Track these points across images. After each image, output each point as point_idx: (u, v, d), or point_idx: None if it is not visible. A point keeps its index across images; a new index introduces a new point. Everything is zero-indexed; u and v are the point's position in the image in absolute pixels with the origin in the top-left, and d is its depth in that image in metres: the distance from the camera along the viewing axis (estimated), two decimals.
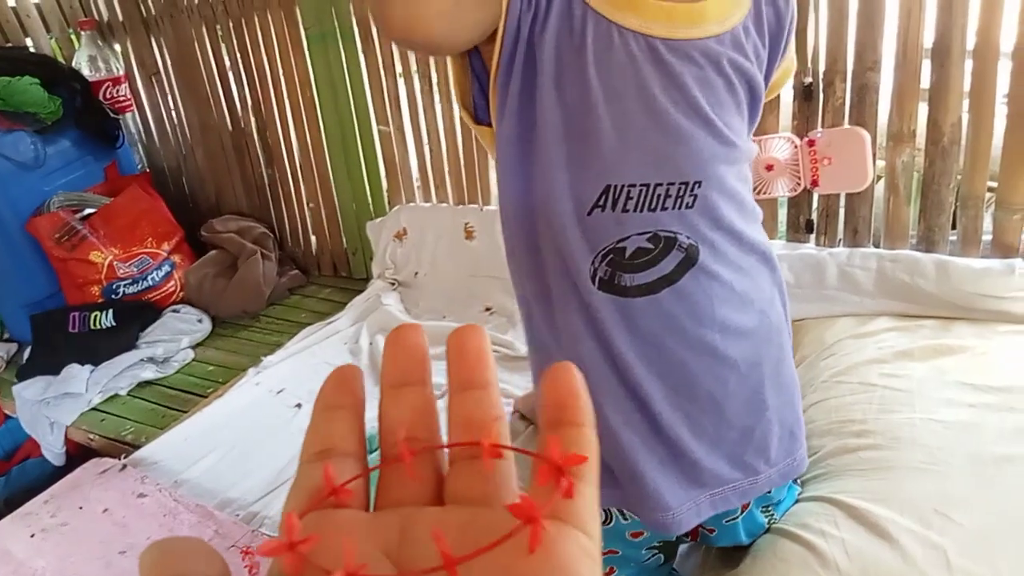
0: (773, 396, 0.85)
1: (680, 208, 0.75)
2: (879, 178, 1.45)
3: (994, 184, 1.34)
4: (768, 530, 0.97)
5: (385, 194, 2.08)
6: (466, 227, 1.88)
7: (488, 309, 1.78)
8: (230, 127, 2.26)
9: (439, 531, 0.20)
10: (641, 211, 0.74)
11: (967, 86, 1.28)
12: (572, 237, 0.76)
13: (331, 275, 2.27)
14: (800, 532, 0.92)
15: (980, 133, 1.29)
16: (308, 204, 2.22)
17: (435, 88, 1.85)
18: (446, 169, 1.93)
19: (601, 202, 0.74)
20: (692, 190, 0.74)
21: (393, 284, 1.98)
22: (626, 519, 0.88)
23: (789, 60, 0.84)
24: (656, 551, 0.94)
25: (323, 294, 2.17)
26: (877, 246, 1.43)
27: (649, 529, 0.89)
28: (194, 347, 1.99)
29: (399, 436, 0.24)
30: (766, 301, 0.83)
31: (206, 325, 2.04)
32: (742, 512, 0.91)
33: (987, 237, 1.36)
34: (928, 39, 1.30)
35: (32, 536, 1.33)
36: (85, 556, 1.28)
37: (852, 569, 0.86)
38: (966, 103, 1.30)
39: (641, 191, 0.74)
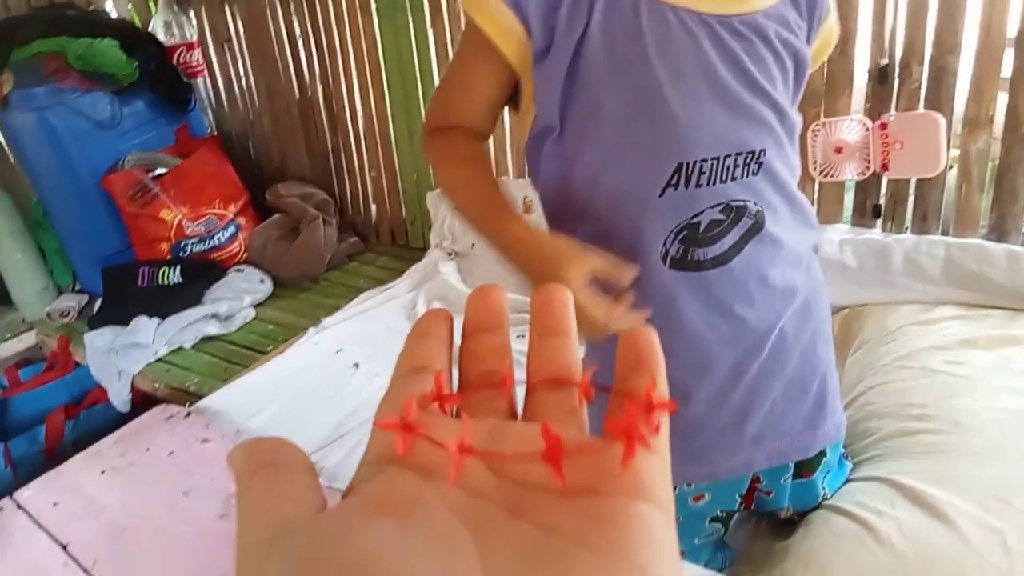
0: (824, 351, 0.89)
1: (747, 176, 0.76)
2: (951, 166, 1.42)
3: None
4: (820, 506, 0.97)
5: None
6: (525, 200, 1.89)
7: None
8: (297, 95, 2.31)
9: (546, 424, 0.21)
10: (713, 184, 0.75)
11: None
12: (641, 220, 0.76)
13: (389, 243, 2.31)
14: (854, 509, 0.93)
15: None
16: (370, 172, 2.26)
17: None
18: (507, 142, 1.94)
19: (674, 181, 0.75)
20: (758, 158, 0.76)
21: (450, 254, 2.01)
22: (689, 485, 0.90)
23: (828, 30, 0.83)
24: (718, 523, 0.96)
25: (381, 261, 2.21)
26: (945, 234, 1.40)
27: (711, 491, 0.91)
28: (256, 306, 2.05)
29: (478, 371, 0.25)
30: (812, 258, 0.87)
31: (268, 286, 2.10)
32: (801, 476, 0.92)
33: None
34: (1012, 27, 1.27)
35: (102, 473, 1.40)
36: (150, 495, 1.34)
37: (907, 548, 0.86)
38: None
39: (712, 164, 0.75)
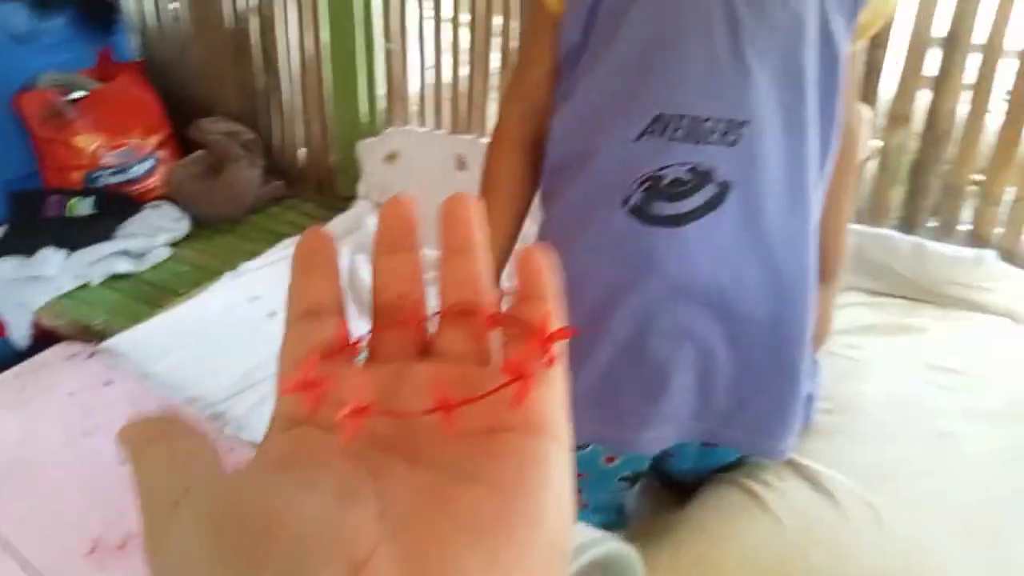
0: (772, 363, 0.84)
1: (723, 145, 0.77)
2: (871, 158, 1.47)
3: (979, 176, 1.36)
4: (715, 478, 1.01)
5: (382, 115, 2.06)
6: (458, 157, 1.87)
7: None
8: (232, 26, 2.21)
9: (440, 381, 0.22)
10: (686, 142, 0.77)
11: (969, 79, 1.30)
12: (616, 159, 0.80)
13: (316, 191, 2.25)
14: (745, 481, 0.97)
15: (974, 125, 1.31)
16: (303, 115, 2.19)
17: (444, 12, 1.82)
18: (446, 96, 1.91)
19: (650, 128, 0.78)
20: (738, 128, 0.76)
21: (378, 206, 1.98)
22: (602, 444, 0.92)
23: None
24: (626, 482, 0.98)
25: (305, 208, 2.16)
26: (859, 222, 1.45)
27: (623, 453, 0.93)
28: (171, 245, 1.97)
29: (390, 295, 0.25)
30: (791, 260, 0.82)
31: (185, 224, 2.03)
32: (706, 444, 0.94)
33: (967, 227, 1.39)
34: (939, 29, 1.31)
35: None
36: (49, 433, 1.30)
37: (791, 519, 0.90)
38: (964, 95, 1.32)
39: (689, 122, 0.77)
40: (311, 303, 0.25)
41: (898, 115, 1.36)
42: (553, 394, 0.22)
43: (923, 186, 1.37)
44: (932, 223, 1.41)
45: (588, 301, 0.86)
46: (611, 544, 0.52)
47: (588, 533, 0.53)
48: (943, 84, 1.32)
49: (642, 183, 0.78)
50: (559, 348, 0.22)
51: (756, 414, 0.87)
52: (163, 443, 0.21)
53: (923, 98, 1.36)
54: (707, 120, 0.76)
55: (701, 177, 0.77)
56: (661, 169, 0.78)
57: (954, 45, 1.29)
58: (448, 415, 0.21)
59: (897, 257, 1.35)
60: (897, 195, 1.42)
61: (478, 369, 0.23)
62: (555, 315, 0.23)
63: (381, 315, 0.26)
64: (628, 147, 0.79)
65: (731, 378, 0.86)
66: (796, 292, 0.83)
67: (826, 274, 0.95)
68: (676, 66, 0.77)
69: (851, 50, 0.81)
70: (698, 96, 0.77)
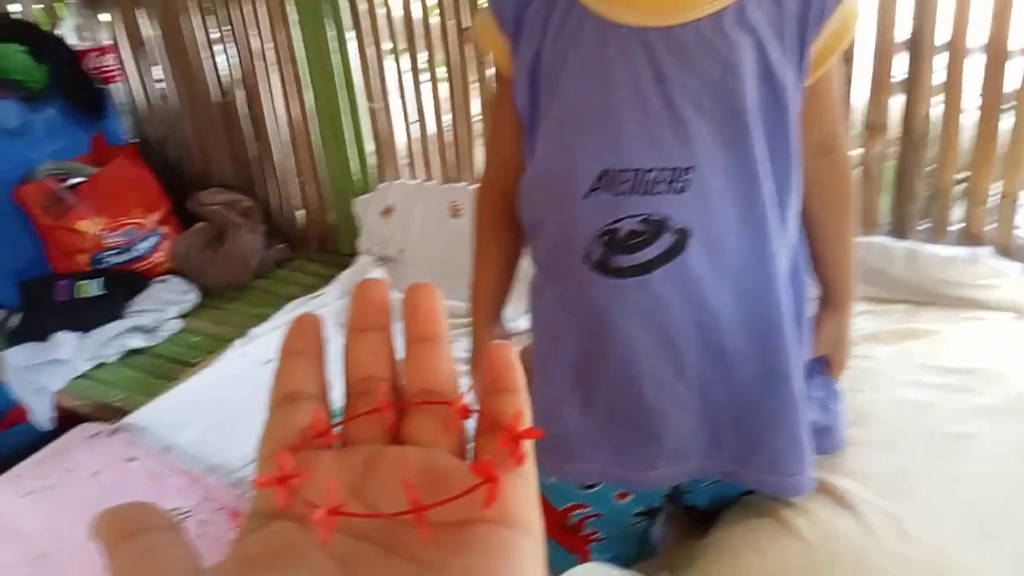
0: (768, 395, 0.86)
1: (671, 193, 0.78)
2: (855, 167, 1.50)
3: (964, 175, 1.39)
4: (736, 501, 1.02)
5: (373, 171, 2.10)
6: (452, 205, 1.91)
7: None
8: (219, 99, 2.26)
9: (409, 481, 0.22)
10: (634, 195, 0.78)
11: (939, 79, 1.33)
12: (570, 217, 0.81)
13: (318, 249, 2.28)
14: (767, 502, 0.97)
15: (950, 125, 1.34)
16: (297, 178, 2.23)
17: (422, 66, 1.87)
18: (432, 148, 1.95)
19: (597, 186, 0.79)
20: (683, 176, 0.77)
21: (380, 260, 2.01)
22: (610, 483, 0.93)
23: (841, 17, 0.77)
24: (642, 518, 0.99)
25: (310, 268, 2.19)
26: None
27: (634, 491, 0.94)
28: (182, 317, 2.00)
29: (360, 375, 0.26)
30: (761, 295, 0.83)
31: (193, 296, 2.06)
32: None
33: (958, 227, 1.41)
34: (902, 33, 1.34)
35: (22, 497, 1.36)
36: (74, 517, 1.31)
37: (814, 536, 0.91)
38: (935, 97, 1.35)
39: (633, 175, 0.78)
40: (291, 389, 0.26)
41: (874, 124, 1.39)
42: (524, 490, 0.23)
43: (909, 191, 1.40)
44: (923, 226, 1.43)
45: (572, 353, 0.88)
46: None
47: (607, 572, 0.54)
48: (914, 88, 1.35)
49: (599, 238, 0.80)
50: (527, 446, 0.23)
51: (769, 454, 0.88)
52: (139, 538, 0.21)
53: (896, 104, 1.39)
54: (650, 171, 0.77)
55: (655, 226, 0.78)
56: (615, 222, 0.79)
57: (919, 48, 1.32)
58: (420, 518, 0.21)
59: (893, 263, 1.37)
60: (884, 203, 1.45)
61: (449, 462, 0.24)
62: (524, 411, 0.24)
63: (352, 395, 0.27)
64: (579, 205, 0.80)
65: (731, 415, 0.87)
66: (772, 324, 0.84)
67: (834, 302, 0.96)
68: (612, 121, 0.77)
69: (812, 80, 0.79)
70: (638, 148, 0.77)
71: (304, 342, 0.27)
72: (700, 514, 1.08)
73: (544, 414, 0.96)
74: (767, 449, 0.88)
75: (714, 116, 0.77)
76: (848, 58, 1.35)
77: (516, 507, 0.22)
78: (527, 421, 0.24)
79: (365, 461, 0.24)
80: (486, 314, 1.06)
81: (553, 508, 1.01)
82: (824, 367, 1.01)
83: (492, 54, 0.88)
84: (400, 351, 0.27)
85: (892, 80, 1.37)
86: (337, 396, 0.27)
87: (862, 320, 1.32)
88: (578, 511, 0.99)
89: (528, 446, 0.23)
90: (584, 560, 1.02)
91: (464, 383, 0.26)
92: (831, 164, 0.88)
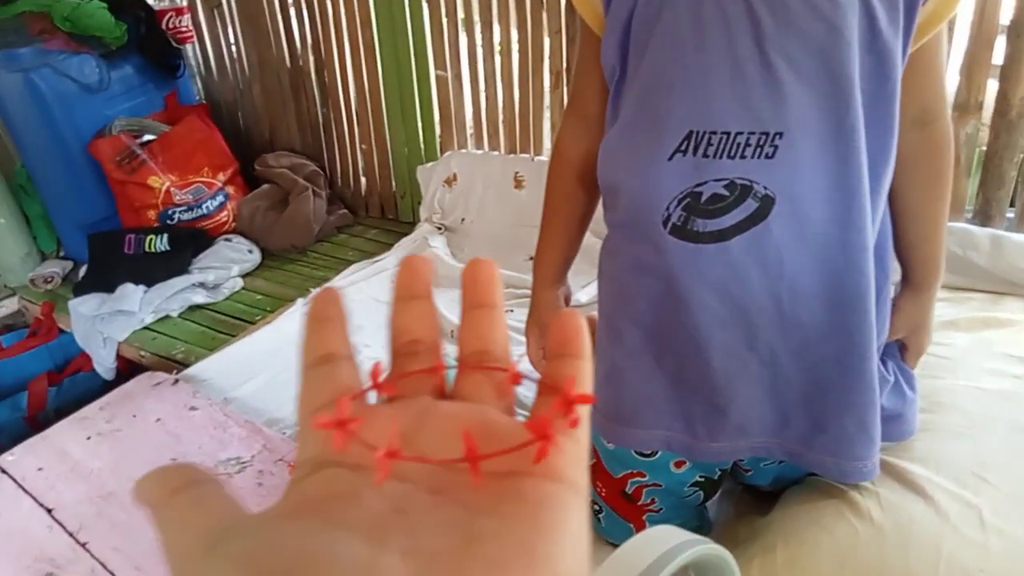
0: (842, 374, 0.83)
1: (759, 158, 0.75)
2: None
3: None
4: (801, 481, 0.99)
5: (437, 140, 2.10)
6: (516, 176, 1.90)
7: (532, 258, 1.79)
8: (288, 65, 2.29)
9: (465, 425, 0.23)
10: (720, 158, 0.76)
11: None
12: (651, 180, 0.79)
13: (378, 217, 2.30)
14: (835, 484, 0.94)
15: None
16: (361, 146, 2.24)
17: (495, 37, 1.86)
18: (500, 118, 1.94)
19: (683, 147, 0.76)
20: (772, 141, 0.74)
21: (440, 229, 2.01)
22: (671, 451, 0.92)
23: None
24: (697, 488, 0.97)
25: (370, 234, 2.21)
26: None
27: (692, 460, 0.92)
28: (243, 276, 2.04)
29: (405, 339, 0.27)
30: (847, 269, 0.79)
31: (256, 256, 2.09)
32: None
33: None
34: (1005, 15, 1.28)
35: (88, 439, 1.40)
36: (138, 460, 1.34)
37: (886, 521, 0.88)
38: None
39: (722, 139, 0.75)
40: (324, 352, 0.26)
41: (965, 104, 1.33)
42: (574, 452, 0.23)
43: (998, 176, 1.34)
44: (1010, 214, 1.37)
45: (644, 317, 0.86)
46: (706, 546, 0.52)
47: (681, 535, 0.53)
48: (1011, 70, 1.29)
49: (680, 202, 0.78)
50: (582, 411, 0.23)
51: (836, 435, 0.85)
52: (187, 492, 0.22)
53: (991, 87, 1.33)
54: (739, 134, 0.74)
55: (740, 191, 0.76)
56: (697, 186, 0.76)
57: (1019, 32, 1.26)
58: (474, 465, 0.22)
59: (975, 250, 1.31)
60: (971, 187, 1.39)
61: (502, 419, 0.24)
62: (583, 377, 0.24)
63: (398, 356, 0.27)
64: (662, 167, 0.78)
65: (802, 393, 0.84)
66: (856, 300, 0.80)
67: (918, 283, 0.92)
68: (702, 81, 0.75)
69: (917, 46, 0.76)
70: (728, 110, 0.74)
71: (330, 309, 0.27)
72: (759, 494, 1.06)
73: (608, 378, 0.94)
74: (835, 430, 0.85)
75: (813, 80, 0.73)
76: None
77: (566, 465, 0.22)
78: (585, 387, 0.24)
79: (420, 412, 0.24)
80: (550, 274, 1.06)
81: (611, 476, 0.99)
82: (900, 352, 0.97)
83: (583, 13, 0.86)
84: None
85: (990, 64, 1.31)
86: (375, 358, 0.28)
87: (940, 307, 1.27)
88: (636, 479, 0.98)
89: (583, 411, 0.23)
90: (640, 530, 1.00)
91: (516, 352, 0.26)
92: (930, 136, 0.83)
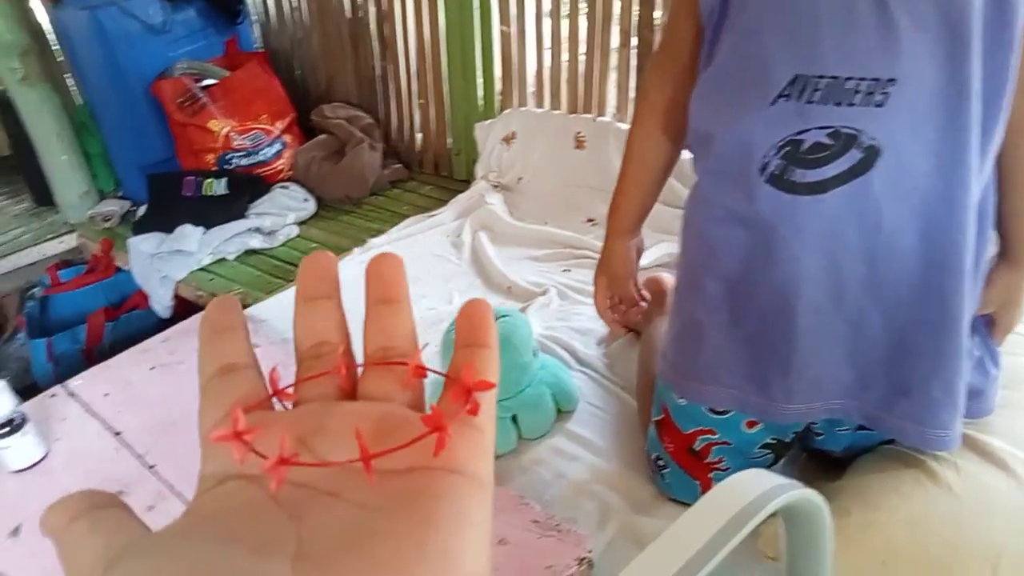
0: (933, 337, 0.80)
1: (868, 106, 0.73)
2: None
3: None
4: (875, 449, 0.98)
5: (497, 97, 2.08)
6: (577, 136, 1.88)
7: (591, 220, 1.78)
8: (349, 15, 2.28)
9: (359, 429, 0.22)
10: (826, 104, 0.73)
11: None
12: (750, 125, 0.77)
13: (432, 173, 2.29)
14: (910, 452, 0.93)
15: None
16: (418, 100, 2.23)
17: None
18: (563, 76, 1.91)
19: (787, 92, 0.74)
20: (884, 88, 0.72)
21: (496, 187, 2.00)
22: (744, 411, 0.91)
23: None
24: (768, 451, 0.97)
25: (424, 190, 2.20)
26: None
27: (765, 422, 0.92)
28: (299, 224, 2.05)
29: (311, 342, 0.26)
30: (948, 228, 0.77)
31: (311, 205, 2.10)
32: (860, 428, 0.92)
33: None
34: None
35: (152, 369, 1.42)
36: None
37: (965, 490, 0.87)
38: None
39: (829, 83, 0.73)
40: (223, 363, 0.25)
41: None
42: (476, 440, 0.23)
43: None
44: None
45: (729, 270, 0.85)
46: (800, 491, 0.51)
47: (775, 479, 0.52)
48: None
49: (780, 149, 0.75)
50: (484, 397, 0.23)
51: (920, 401, 0.83)
52: (86, 518, 0.22)
53: None
54: (849, 79, 0.72)
55: (844, 141, 0.73)
56: (799, 133, 0.74)
57: None
58: (367, 464, 0.21)
59: None
60: None
61: (400, 413, 0.24)
62: (486, 365, 0.24)
63: (304, 360, 0.26)
64: (764, 112, 0.76)
65: (886, 355, 0.82)
66: (954, 262, 0.77)
67: (1016, 257, 0.89)
68: (811, 23, 0.73)
69: None
70: (837, 54, 0.72)
71: (228, 318, 0.26)
72: (824, 462, 1.05)
73: (683, 332, 0.93)
74: (920, 395, 0.83)
75: (930, 25, 0.71)
76: None
77: (465, 456, 0.22)
78: (489, 375, 0.24)
79: (317, 415, 0.24)
80: (625, 224, 1.04)
81: (680, 431, 0.99)
82: (988, 326, 0.95)
83: None
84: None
85: None
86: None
87: None
88: (705, 436, 0.97)
89: (484, 398, 0.23)
90: (706, 489, 1.00)
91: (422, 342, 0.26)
92: None
